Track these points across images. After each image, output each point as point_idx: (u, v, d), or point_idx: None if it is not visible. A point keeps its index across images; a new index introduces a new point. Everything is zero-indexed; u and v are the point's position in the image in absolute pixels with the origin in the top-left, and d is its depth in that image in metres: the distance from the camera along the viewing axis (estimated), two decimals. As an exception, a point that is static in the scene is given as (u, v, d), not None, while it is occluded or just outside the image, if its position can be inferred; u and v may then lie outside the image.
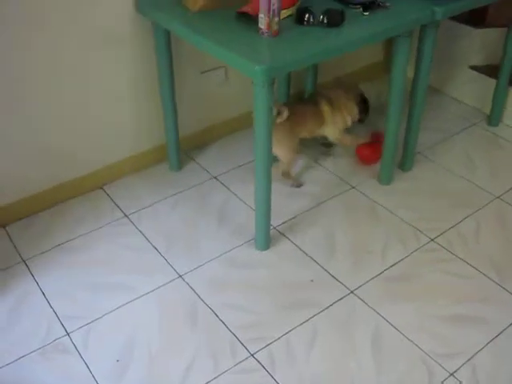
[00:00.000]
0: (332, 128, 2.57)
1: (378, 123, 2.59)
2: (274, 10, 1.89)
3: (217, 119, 2.79)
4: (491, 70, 2.95)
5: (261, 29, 1.94)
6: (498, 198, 2.52)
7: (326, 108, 2.53)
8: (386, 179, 2.57)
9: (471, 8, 2.38)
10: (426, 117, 2.80)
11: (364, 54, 3.23)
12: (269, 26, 1.92)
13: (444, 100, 3.19)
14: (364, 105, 2.65)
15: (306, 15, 2.03)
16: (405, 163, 2.65)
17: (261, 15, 1.92)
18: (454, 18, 2.96)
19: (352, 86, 2.66)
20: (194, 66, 2.57)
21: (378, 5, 2.17)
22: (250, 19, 2.00)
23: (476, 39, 3.02)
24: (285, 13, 2.04)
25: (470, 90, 3.09)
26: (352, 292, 2.09)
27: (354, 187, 2.56)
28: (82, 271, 2.17)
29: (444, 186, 2.59)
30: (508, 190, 2.56)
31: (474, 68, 3.06)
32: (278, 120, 2.33)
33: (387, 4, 2.17)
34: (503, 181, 2.62)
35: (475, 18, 2.97)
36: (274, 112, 2.26)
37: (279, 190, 2.49)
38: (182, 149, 2.66)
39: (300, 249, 2.26)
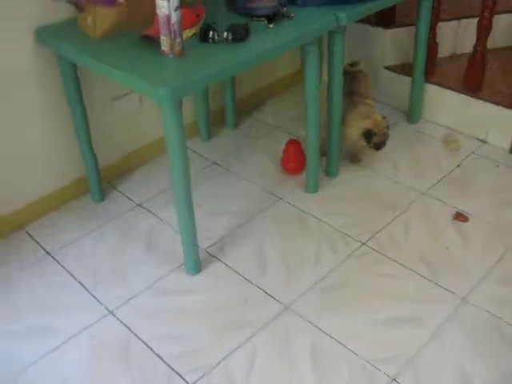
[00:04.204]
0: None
1: (300, 132, 2.57)
2: (175, 31, 1.85)
3: (136, 145, 2.73)
4: (406, 69, 2.99)
5: (164, 51, 1.90)
6: (423, 194, 2.54)
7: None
8: (312, 187, 2.55)
9: (374, 11, 2.39)
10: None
11: (282, 65, 3.23)
12: (171, 47, 1.88)
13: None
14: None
15: (210, 33, 2.00)
16: (330, 169, 2.65)
17: (162, 37, 1.88)
18: (365, 21, 3.00)
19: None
20: (105, 93, 2.50)
21: (283, 15, 2.16)
22: (154, 42, 1.95)
23: (388, 40, 3.06)
24: (188, 32, 2.01)
25: (387, 89, 3.12)
26: (287, 307, 2.06)
27: (280, 198, 2.54)
28: (1, 320, 2.06)
29: (371, 188, 2.60)
30: (433, 185, 2.59)
31: (389, 68, 3.10)
32: (353, 69, 2.66)
33: (291, 14, 2.16)
34: (428, 176, 2.64)
35: (385, 20, 3.01)
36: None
37: (205, 210, 2.45)
38: (105, 178, 2.59)
39: (232, 269, 2.21)
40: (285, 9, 2.17)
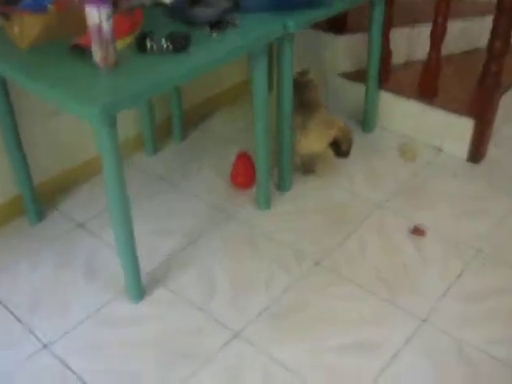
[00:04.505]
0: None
1: (251, 144, 2.43)
2: (107, 41, 1.70)
3: (77, 160, 2.55)
4: (359, 76, 2.88)
5: (96, 63, 1.74)
6: (380, 207, 2.44)
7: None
8: (264, 203, 2.42)
9: (324, 18, 2.28)
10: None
11: (230, 73, 3.09)
12: (104, 58, 1.72)
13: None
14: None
15: (148, 42, 1.85)
16: (283, 183, 2.52)
17: (94, 48, 1.72)
18: (317, 27, 2.89)
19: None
20: (41, 106, 2.32)
21: (227, 23, 2.03)
22: (86, 52, 1.79)
23: (341, 46, 2.96)
24: (123, 42, 1.86)
25: (341, 97, 3.01)
26: (237, 335, 1.92)
27: (230, 216, 2.40)
28: None
29: (325, 202, 2.48)
30: (389, 198, 2.49)
31: (342, 75, 2.99)
32: (303, 79, 2.56)
33: (236, 21, 2.03)
34: (384, 188, 2.54)
35: (337, 26, 2.91)
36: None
37: (149, 230, 2.30)
38: (42, 197, 2.41)
39: (178, 294, 2.06)
40: (229, 16, 2.04)
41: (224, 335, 1.92)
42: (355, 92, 2.93)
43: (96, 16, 1.66)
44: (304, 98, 2.54)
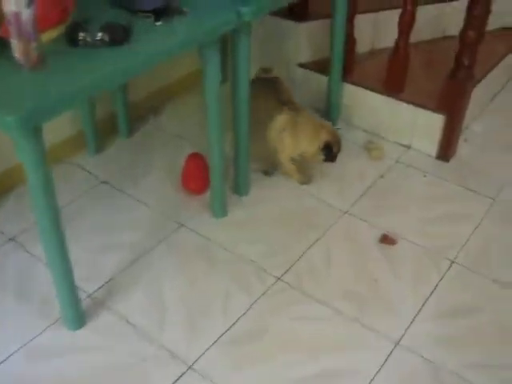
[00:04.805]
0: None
1: (202, 139, 2.18)
2: (28, 33, 1.43)
3: (7, 164, 2.26)
4: (322, 66, 2.66)
5: (17, 59, 1.47)
6: (346, 212, 2.24)
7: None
8: (219, 210, 2.19)
9: (283, 4, 2.05)
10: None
11: (182, 62, 2.82)
12: (25, 54, 1.45)
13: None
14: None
15: (80, 34, 1.59)
16: (239, 187, 2.29)
17: (13, 41, 1.45)
18: (275, 14, 2.65)
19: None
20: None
21: (174, 10, 1.78)
22: (7, 46, 1.51)
23: (302, 34, 2.73)
24: (50, 34, 1.58)
25: (302, 90, 2.77)
26: (190, 367, 1.69)
27: (182, 225, 2.16)
28: None
29: (287, 207, 2.27)
30: (356, 201, 2.29)
31: (303, 66, 2.77)
32: (269, 75, 2.38)
33: (184, 9, 1.78)
34: (350, 190, 2.34)
35: (297, 12, 2.68)
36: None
37: (90, 243, 2.06)
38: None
39: (123, 320, 1.82)
40: (176, 3, 1.78)
41: (175, 368, 1.69)
42: (318, 84, 2.71)
43: (12, 1, 1.38)
44: (281, 97, 2.31)
